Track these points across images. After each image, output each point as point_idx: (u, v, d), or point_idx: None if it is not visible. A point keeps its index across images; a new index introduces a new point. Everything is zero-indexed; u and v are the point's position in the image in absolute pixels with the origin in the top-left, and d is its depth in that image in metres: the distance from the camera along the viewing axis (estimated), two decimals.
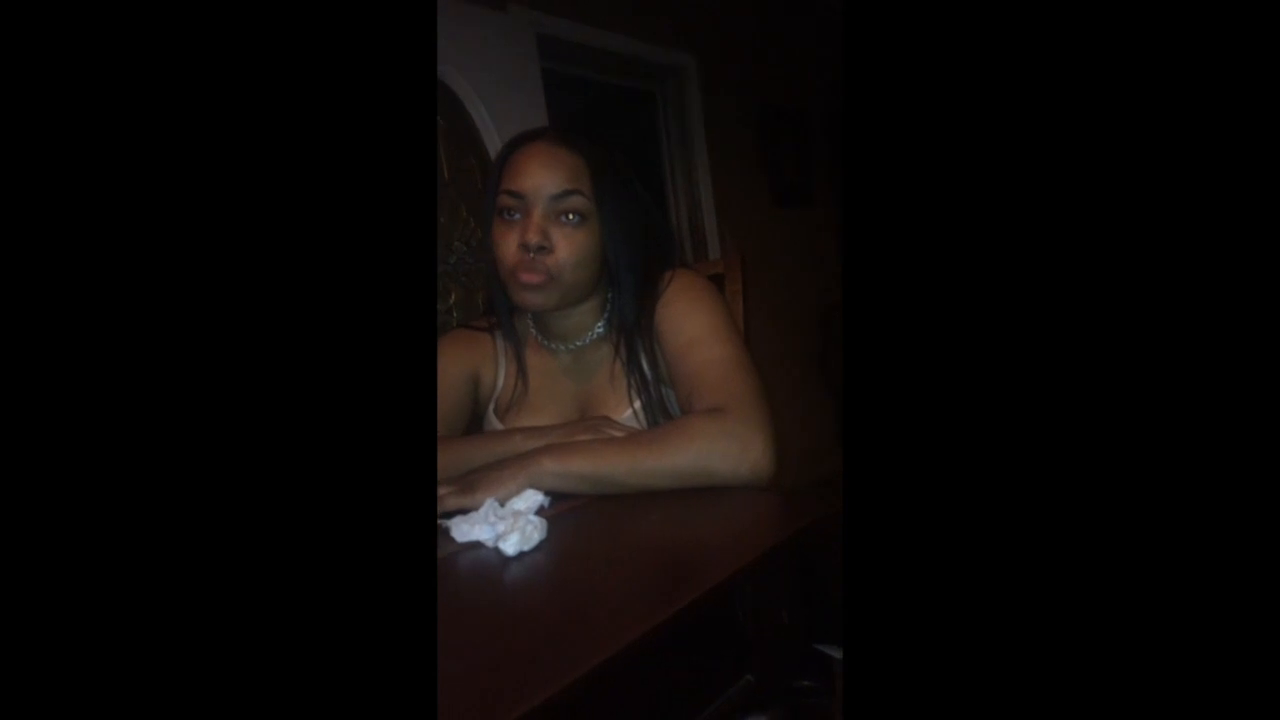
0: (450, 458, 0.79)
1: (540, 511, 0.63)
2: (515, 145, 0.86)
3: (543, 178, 0.81)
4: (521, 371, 0.91)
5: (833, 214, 3.30)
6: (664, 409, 0.84)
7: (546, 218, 0.81)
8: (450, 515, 0.64)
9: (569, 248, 0.81)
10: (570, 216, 0.81)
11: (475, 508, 0.64)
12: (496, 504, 0.63)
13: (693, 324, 0.81)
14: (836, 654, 0.67)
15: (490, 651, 0.40)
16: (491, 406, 0.92)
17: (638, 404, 0.84)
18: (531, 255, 0.80)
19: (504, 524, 0.59)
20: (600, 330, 0.90)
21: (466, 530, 0.60)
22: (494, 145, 1.95)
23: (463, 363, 0.93)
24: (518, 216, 0.82)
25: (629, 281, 0.84)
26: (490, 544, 0.59)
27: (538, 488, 0.66)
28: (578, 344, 0.90)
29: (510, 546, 0.56)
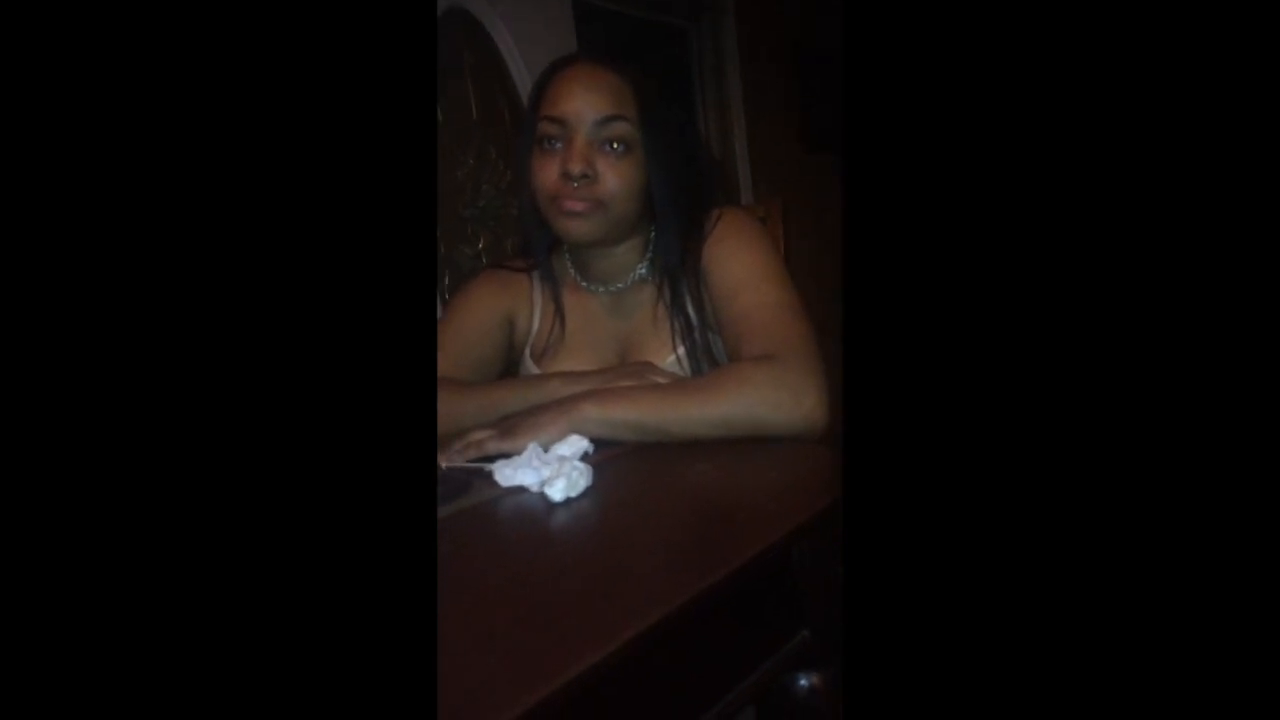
0: (483, 402, 0.76)
1: (585, 458, 0.61)
2: (556, 68, 0.80)
3: (587, 101, 0.76)
4: (559, 313, 0.88)
5: None
6: (710, 356, 0.81)
7: (590, 145, 0.76)
8: (491, 459, 0.63)
9: (615, 178, 0.77)
10: (615, 145, 0.76)
11: (516, 451, 0.62)
12: (540, 449, 0.61)
13: (742, 265, 0.76)
14: None
15: (540, 603, 0.39)
16: (527, 350, 0.90)
17: (681, 350, 0.81)
18: (575, 184, 0.76)
19: (549, 469, 0.57)
20: (643, 272, 0.86)
21: (510, 474, 0.58)
22: (523, 81, 1.89)
23: (496, 305, 0.89)
24: (559, 145, 0.77)
25: (673, 219, 0.80)
26: (535, 489, 0.57)
27: (580, 434, 0.64)
28: (619, 286, 0.86)
29: (557, 492, 0.54)
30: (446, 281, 1.82)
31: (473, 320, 0.88)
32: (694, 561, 0.43)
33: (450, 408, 0.75)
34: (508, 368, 0.92)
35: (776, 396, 0.64)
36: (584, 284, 0.88)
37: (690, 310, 0.81)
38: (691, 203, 0.81)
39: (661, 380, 0.71)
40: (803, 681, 0.51)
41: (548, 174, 0.77)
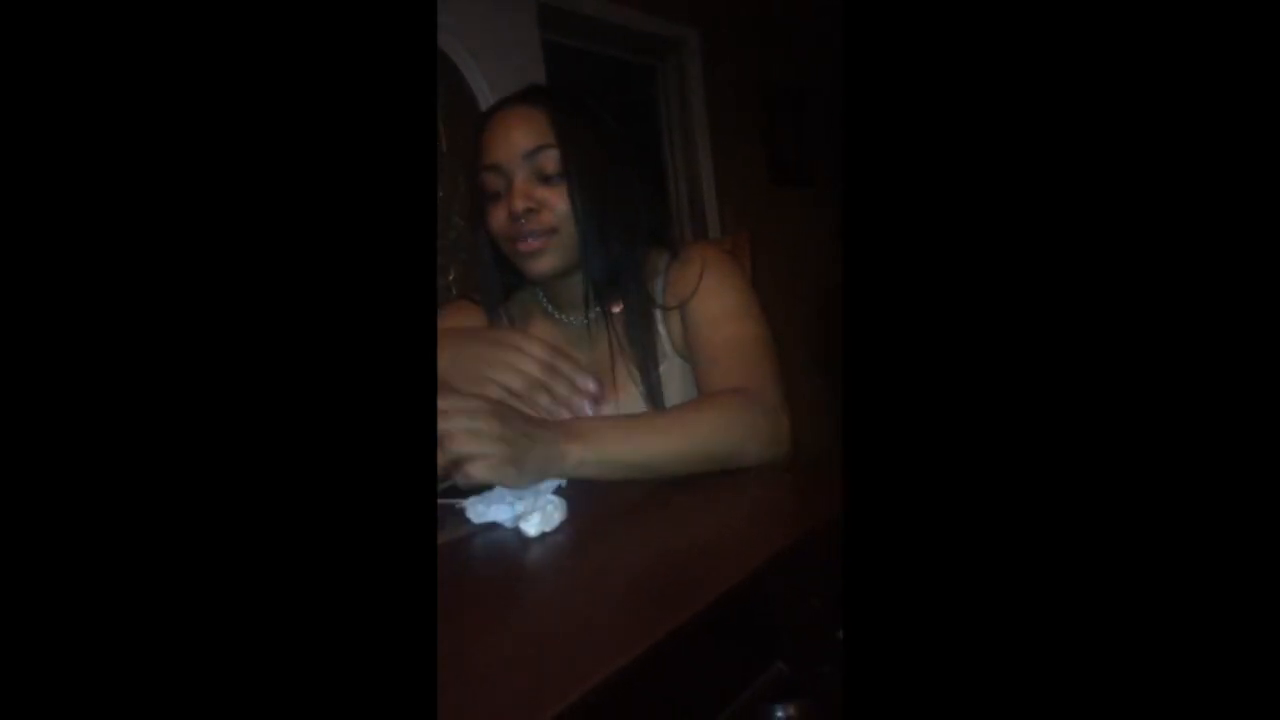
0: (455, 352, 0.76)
1: (559, 491, 0.61)
2: (484, 118, 0.84)
3: (513, 140, 0.79)
4: None
5: (832, 195, 3.27)
6: (660, 392, 0.82)
7: (528, 181, 0.79)
8: (462, 494, 0.62)
9: (559, 202, 0.79)
10: (551, 175, 0.78)
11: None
12: None
13: (725, 300, 0.78)
14: None
15: (520, 642, 0.38)
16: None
17: (643, 387, 0.82)
18: (523, 221, 0.78)
19: (523, 504, 0.57)
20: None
21: (483, 510, 0.58)
22: None
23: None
24: (502, 190, 0.80)
25: (596, 239, 0.80)
26: (509, 525, 0.56)
27: (575, 476, 0.62)
28: (589, 318, 0.87)
29: (532, 527, 0.54)
30: None
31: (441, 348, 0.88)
32: (671, 597, 0.43)
33: None
34: None
35: (755, 425, 0.65)
36: (555, 313, 0.89)
37: (643, 346, 0.82)
38: (625, 227, 0.81)
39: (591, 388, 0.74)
40: (780, 714, 0.51)
41: (499, 220, 0.80)
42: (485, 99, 1.89)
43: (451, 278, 1.90)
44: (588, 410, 0.74)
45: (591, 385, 0.71)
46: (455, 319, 0.91)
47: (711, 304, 0.78)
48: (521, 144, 0.78)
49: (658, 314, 0.83)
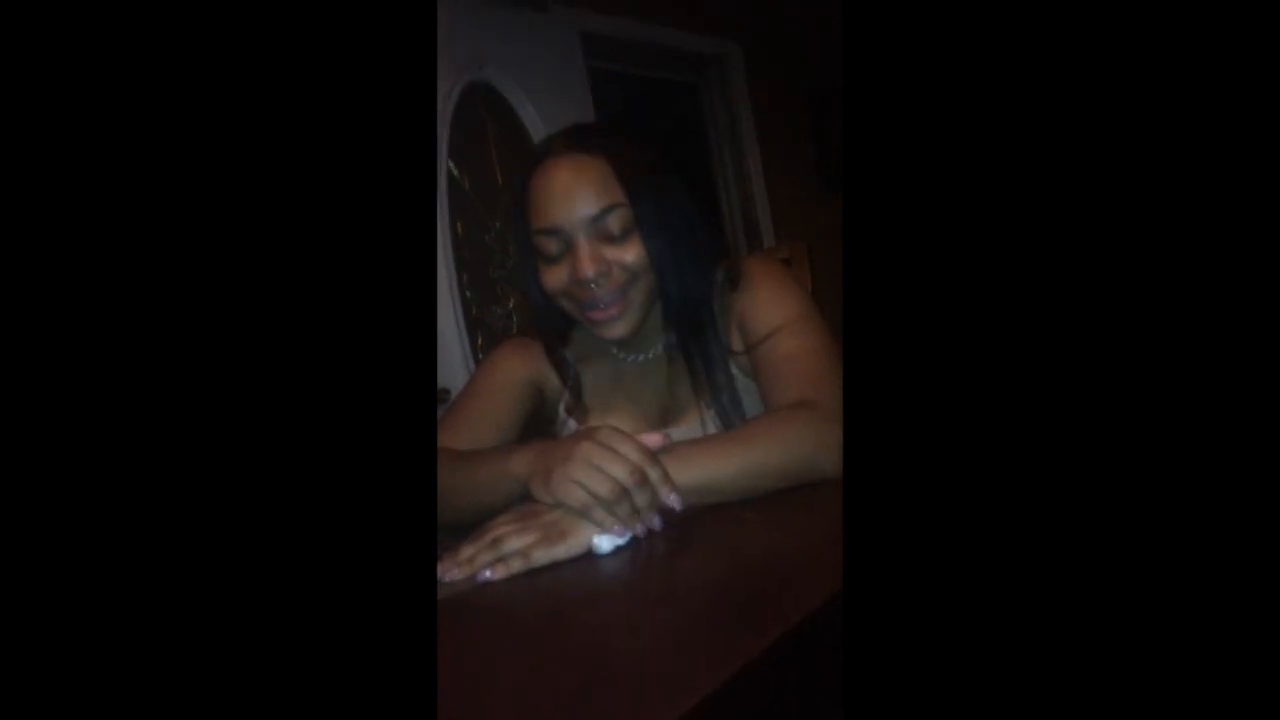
0: (495, 469, 0.65)
1: None
2: (531, 168, 0.75)
3: (574, 202, 0.71)
4: (590, 378, 0.88)
5: None
6: (739, 411, 0.80)
7: (594, 243, 0.73)
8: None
9: (631, 258, 0.73)
10: (620, 234, 0.73)
11: (570, 555, 0.54)
12: None
13: (778, 311, 0.76)
14: None
15: (600, 667, 0.38)
16: (561, 407, 0.90)
17: (712, 411, 0.81)
18: (593, 287, 0.73)
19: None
20: (673, 340, 0.83)
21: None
22: None
23: (521, 370, 0.88)
24: (561, 253, 0.74)
25: (676, 285, 0.76)
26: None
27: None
28: (650, 354, 0.86)
29: (605, 543, 0.53)
30: (480, 342, 1.85)
31: (496, 385, 0.87)
32: (748, 621, 0.42)
33: (458, 479, 0.68)
34: (545, 425, 0.92)
35: (826, 438, 0.63)
36: (619, 353, 0.88)
37: (717, 369, 0.80)
38: (696, 261, 0.78)
39: (656, 440, 0.62)
40: None
41: (558, 279, 0.75)
42: (536, 129, 1.93)
43: (511, 305, 1.93)
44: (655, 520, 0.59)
45: (675, 500, 0.57)
46: (514, 357, 0.89)
47: (771, 317, 0.76)
48: (585, 208, 0.71)
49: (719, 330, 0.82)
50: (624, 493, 0.54)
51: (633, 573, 0.52)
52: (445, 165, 1.79)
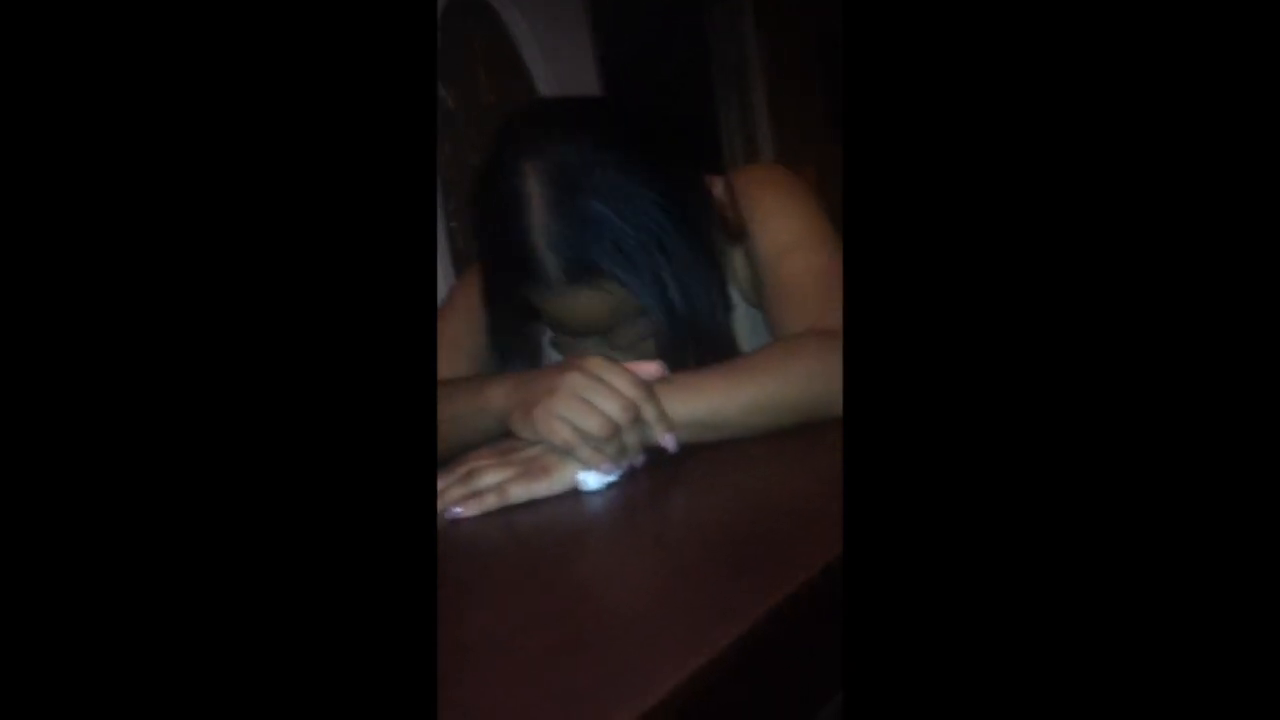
0: (475, 400, 0.59)
1: None
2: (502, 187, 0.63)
3: (579, 324, 0.65)
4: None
5: None
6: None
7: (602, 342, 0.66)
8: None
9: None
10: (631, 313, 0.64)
11: (552, 493, 0.50)
12: None
13: (789, 225, 0.67)
14: None
15: (589, 624, 0.32)
16: (547, 336, 0.82)
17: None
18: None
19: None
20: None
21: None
22: (536, 67, 1.84)
23: None
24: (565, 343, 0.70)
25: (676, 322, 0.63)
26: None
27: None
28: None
29: (592, 479, 0.48)
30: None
31: (473, 306, 0.75)
32: (757, 572, 0.36)
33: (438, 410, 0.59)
34: (535, 351, 0.85)
35: (840, 369, 0.53)
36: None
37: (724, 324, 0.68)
38: (701, 279, 0.65)
39: (653, 371, 0.56)
40: None
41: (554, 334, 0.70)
42: (527, 45, 1.82)
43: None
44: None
45: (670, 441, 0.52)
46: (473, 291, 0.76)
47: (777, 232, 0.66)
48: (594, 330, 0.65)
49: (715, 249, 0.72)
50: (615, 429, 0.48)
51: (623, 514, 0.46)
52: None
